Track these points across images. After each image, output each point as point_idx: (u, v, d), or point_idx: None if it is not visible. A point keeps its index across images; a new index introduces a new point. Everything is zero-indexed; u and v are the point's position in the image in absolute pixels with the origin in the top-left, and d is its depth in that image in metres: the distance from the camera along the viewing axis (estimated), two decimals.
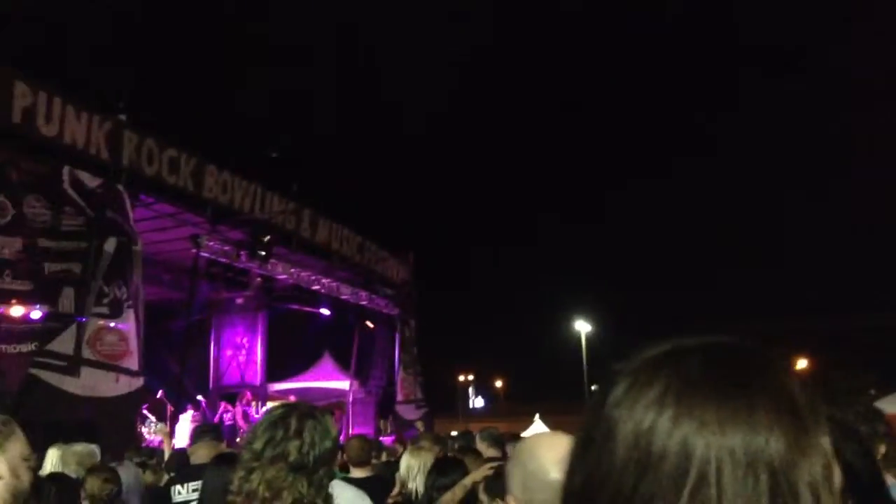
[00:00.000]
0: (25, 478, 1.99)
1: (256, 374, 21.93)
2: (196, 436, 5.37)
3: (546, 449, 1.83)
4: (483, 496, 3.26)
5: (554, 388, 49.74)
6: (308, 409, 2.40)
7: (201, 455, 5.08)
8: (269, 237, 16.46)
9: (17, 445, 2.00)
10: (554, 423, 23.15)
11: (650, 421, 0.71)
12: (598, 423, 0.75)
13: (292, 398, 17.80)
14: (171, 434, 15.37)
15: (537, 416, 27.71)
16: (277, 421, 2.30)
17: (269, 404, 19.51)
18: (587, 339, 38.45)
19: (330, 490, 2.32)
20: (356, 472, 5.31)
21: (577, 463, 0.77)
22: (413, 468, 4.85)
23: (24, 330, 11.64)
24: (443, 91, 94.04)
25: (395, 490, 4.89)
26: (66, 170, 12.58)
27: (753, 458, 0.67)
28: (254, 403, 19.45)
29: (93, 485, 4.47)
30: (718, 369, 0.72)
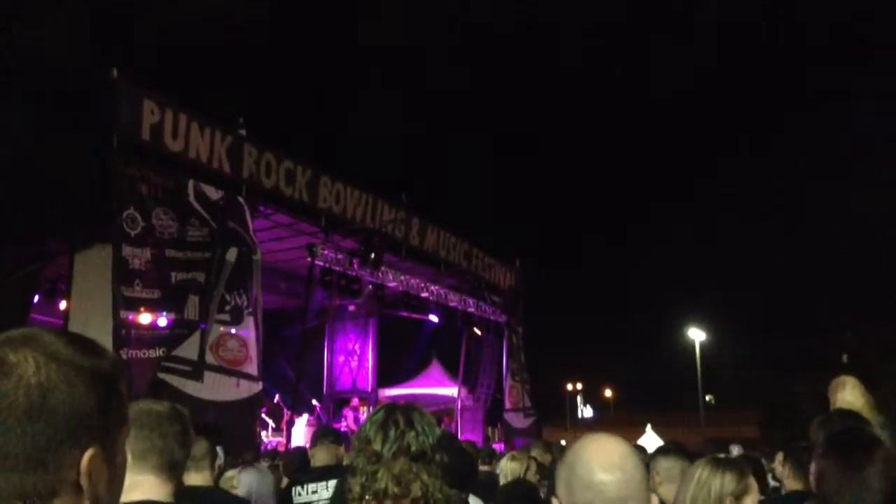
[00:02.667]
0: None
1: (367, 379, 22.29)
2: (316, 438, 5.36)
3: (592, 451, 1.84)
4: None
5: (665, 398, 48.67)
6: (406, 404, 2.46)
7: (321, 458, 5.12)
8: (375, 256, 16.76)
9: None
10: (666, 434, 22.63)
11: None
12: None
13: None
14: (288, 438, 15.85)
15: (649, 425, 27.17)
16: (385, 420, 2.33)
17: None
18: (701, 348, 37.33)
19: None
20: None
21: None
22: (515, 471, 4.84)
23: (152, 336, 12.15)
24: (551, 91, 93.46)
25: None
26: (190, 183, 13.15)
27: None
28: (363, 409, 19.77)
29: None
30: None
